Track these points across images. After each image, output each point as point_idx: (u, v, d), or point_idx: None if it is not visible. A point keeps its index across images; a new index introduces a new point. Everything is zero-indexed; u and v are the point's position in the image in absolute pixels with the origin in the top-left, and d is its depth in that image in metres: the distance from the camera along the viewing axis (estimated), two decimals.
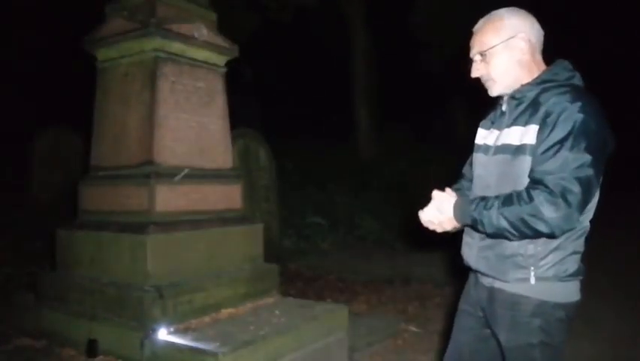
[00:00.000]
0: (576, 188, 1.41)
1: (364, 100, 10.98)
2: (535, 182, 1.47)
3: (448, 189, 1.74)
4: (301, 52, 13.57)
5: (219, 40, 3.57)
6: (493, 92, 1.70)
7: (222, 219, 3.44)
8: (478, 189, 1.72)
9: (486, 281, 1.70)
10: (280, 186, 6.31)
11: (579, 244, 1.60)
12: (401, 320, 4.01)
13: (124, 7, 3.34)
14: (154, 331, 2.74)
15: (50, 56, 10.92)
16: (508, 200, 1.48)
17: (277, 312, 3.15)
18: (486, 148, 1.72)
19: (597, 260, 6.08)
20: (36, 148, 7.19)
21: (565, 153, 1.43)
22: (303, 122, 12.70)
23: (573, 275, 1.58)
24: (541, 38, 1.67)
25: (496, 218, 1.48)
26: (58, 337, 3.15)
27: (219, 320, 3.03)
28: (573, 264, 1.58)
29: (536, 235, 1.47)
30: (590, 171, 1.43)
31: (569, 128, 1.44)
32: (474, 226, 1.58)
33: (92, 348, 2.85)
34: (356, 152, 10.94)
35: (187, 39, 3.31)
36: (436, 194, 1.68)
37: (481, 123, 1.83)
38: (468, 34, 1.74)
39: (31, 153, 7.17)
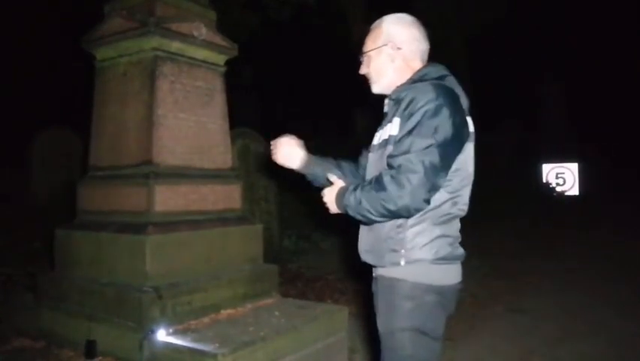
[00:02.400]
0: (418, 167, 1.51)
1: (364, 99, 10.97)
2: (388, 165, 1.60)
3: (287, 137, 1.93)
4: (301, 51, 13.56)
5: (219, 40, 3.55)
6: (373, 89, 1.89)
7: (222, 219, 3.43)
8: None
9: (374, 272, 1.79)
10: (280, 186, 6.29)
11: (448, 229, 1.67)
12: None
13: (123, 6, 3.32)
14: (153, 332, 2.73)
15: (50, 56, 10.92)
16: (366, 184, 1.62)
17: (277, 313, 3.14)
18: (372, 147, 1.83)
19: (597, 261, 6.09)
20: (36, 148, 7.19)
21: (412, 138, 1.55)
22: (303, 122, 12.68)
23: (446, 259, 1.65)
24: (421, 48, 1.81)
25: (357, 202, 1.60)
26: (57, 337, 3.14)
27: (219, 321, 3.01)
28: (444, 247, 1.64)
29: (390, 214, 1.56)
30: (435, 154, 1.52)
31: (420, 116, 1.56)
32: (346, 214, 1.67)
33: (90, 349, 2.84)
34: (356, 152, 10.93)
35: (186, 38, 3.30)
36: (330, 177, 1.81)
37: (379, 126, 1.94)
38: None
39: (31, 153, 7.17)
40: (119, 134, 3.29)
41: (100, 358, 2.84)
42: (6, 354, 3.09)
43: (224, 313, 3.13)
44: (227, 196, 3.53)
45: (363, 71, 1.89)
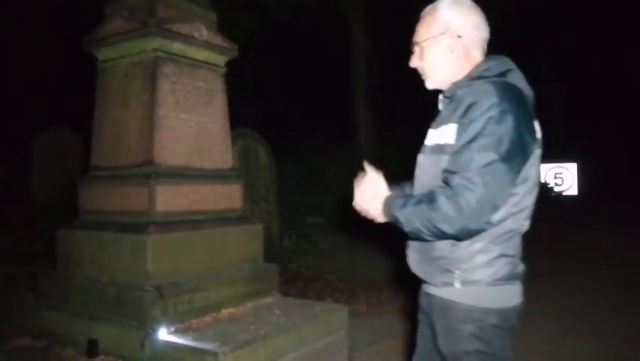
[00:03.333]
0: (479, 188, 1.35)
1: (365, 100, 10.98)
2: (443, 181, 1.45)
3: (371, 172, 1.65)
4: (301, 52, 13.57)
5: (219, 41, 3.57)
6: (428, 85, 1.69)
7: (222, 219, 3.44)
8: (416, 191, 1.66)
9: (425, 287, 1.66)
10: (280, 186, 6.30)
11: (509, 247, 1.51)
12: (401, 320, 4.01)
13: (124, 7, 3.33)
14: (154, 331, 2.74)
15: (51, 56, 10.92)
16: (420, 199, 1.46)
17: (277, 312, 3.15)
18: (424, 148, 1.66)
19: (597, 260, 6.09)
20: (36, 148, 7.20)
21: (471, 152, 1.38)
22: (303, 122, 12.70)
23: (505, 279, 1.50)
24: (482, 36, 1.62)
25: (409, 217, 1.46)
26: (59, 337, 3.16)
27: (219, 320, 3.03)
28: (503, 267, 1.50)
29: (445, 236, 1.42)
30: (498, 170, 1.37)
31: (480, 127, 1.39)
32: (396, 224, 1.52)
33: (92, 348, 2.85)
34: (357, 152, 10.94)
35: (187, 39, 3.31)
36: (371, 183, 1.64)
37: (431, 124, 1.73)
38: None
39: (31, 153, 7.18)
40: (121, 135, 3.30)
41: (101, 357, 2.86)
42: (8, 353, 3.11)
43: (225, 312, 3.15)
44: (228, 196, 3.55)
45: (414, 64, 1.69)
